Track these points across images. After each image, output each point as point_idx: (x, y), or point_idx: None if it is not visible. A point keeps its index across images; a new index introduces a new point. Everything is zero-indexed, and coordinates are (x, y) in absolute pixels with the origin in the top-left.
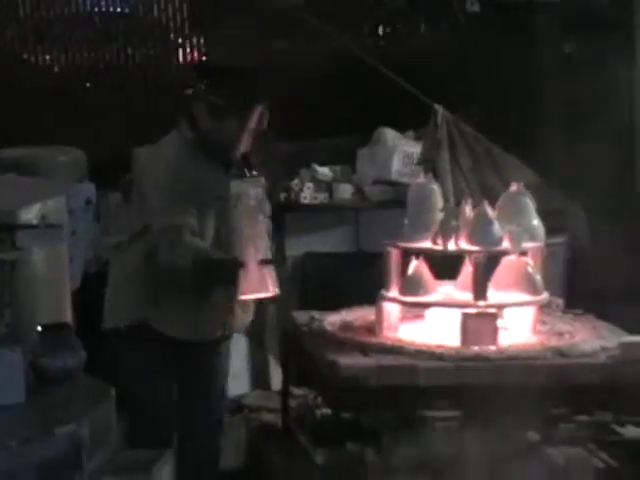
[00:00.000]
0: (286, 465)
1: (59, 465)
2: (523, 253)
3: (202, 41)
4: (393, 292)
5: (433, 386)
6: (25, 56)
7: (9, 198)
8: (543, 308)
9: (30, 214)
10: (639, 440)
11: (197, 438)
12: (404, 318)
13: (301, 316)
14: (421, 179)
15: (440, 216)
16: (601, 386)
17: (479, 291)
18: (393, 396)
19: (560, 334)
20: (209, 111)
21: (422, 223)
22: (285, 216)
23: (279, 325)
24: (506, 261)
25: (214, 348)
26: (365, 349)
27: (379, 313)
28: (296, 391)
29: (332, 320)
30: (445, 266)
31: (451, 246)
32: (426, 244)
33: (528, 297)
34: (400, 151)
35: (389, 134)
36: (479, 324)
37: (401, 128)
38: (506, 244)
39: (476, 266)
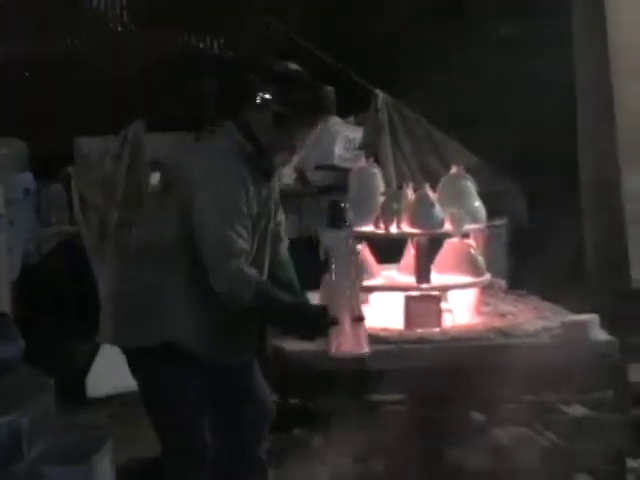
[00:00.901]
0: None
1: None
2: (465, 235)
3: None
4: None
5: (378, 370)
6: None
7: None
8: (486, 289)
9: None
10: (585, 418)
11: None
12: None
13: None
14: (363, 163)
15: (382, 200)
16: (545, 365)
17: (422, 274)
18: (339, 381)
19: (503, 315)
20: (274, 121)
21: (364, 207)
22: None
23: None
24: (448, 244)
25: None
26: None
27: (323, 298)
28: None
29: None
30: (388, 250)
31: (393, 229)
32: (368, 228)
33: (470, 279)
34: (342, 136)
35: (331, 120)
36: (422, 307)
37: (342, 114)
38: (448, 226)
39: (418, 249)
